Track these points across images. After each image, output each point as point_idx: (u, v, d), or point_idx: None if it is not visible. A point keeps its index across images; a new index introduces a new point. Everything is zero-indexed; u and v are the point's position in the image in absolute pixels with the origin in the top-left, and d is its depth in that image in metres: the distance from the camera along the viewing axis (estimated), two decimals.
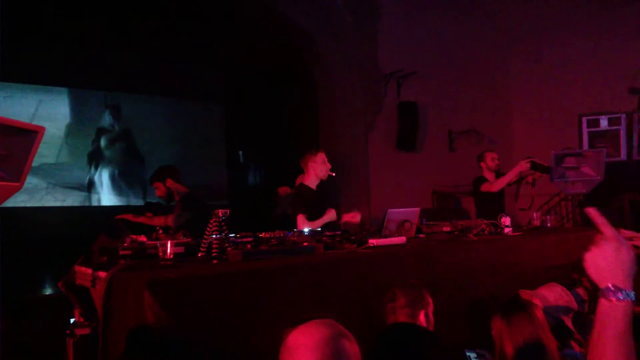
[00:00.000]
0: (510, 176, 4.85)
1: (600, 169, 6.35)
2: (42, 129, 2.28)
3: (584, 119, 7.60)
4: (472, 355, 2.39)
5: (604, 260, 1.08)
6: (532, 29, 8.22)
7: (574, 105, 7.89)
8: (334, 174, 4.02)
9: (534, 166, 4.70)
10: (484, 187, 4.98)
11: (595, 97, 7.81)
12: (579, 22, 8.01)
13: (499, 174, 5.05)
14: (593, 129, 7.53)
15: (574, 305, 2.67)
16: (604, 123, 7.47)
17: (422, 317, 2.25)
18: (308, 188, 3.99)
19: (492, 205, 4.86)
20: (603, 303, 1.06)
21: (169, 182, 4.36)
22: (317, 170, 3.93)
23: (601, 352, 1.03)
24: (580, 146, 7.54)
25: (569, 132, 7.86)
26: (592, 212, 1.12)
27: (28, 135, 2.26)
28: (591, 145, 7.52)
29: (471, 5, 8.13)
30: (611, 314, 1.04)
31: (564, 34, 8.09)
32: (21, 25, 6.29)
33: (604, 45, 7.87)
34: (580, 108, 7.82)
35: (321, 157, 3.94)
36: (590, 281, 1.14)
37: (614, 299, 1.04)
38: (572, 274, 3.26)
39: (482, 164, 5.16)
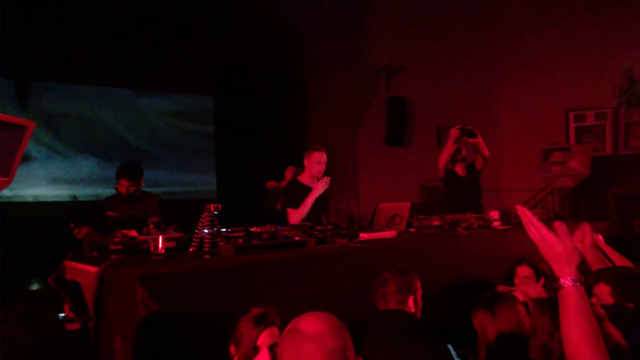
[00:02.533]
0: (448, 147, 4.97)
1: (586, 163, 6.46)
2: (32, 123, 2.26)
3: (571, 114, 7.68)
4: (454, 353, 2.42)
5: (548, 255, 1.24)
6: (520, 24, 8.27)
7: (561, 100, 7.96)
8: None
9: (463, 132, 4.84)
10: (439, 172, 5.08)
11: (581, 93, 7.88)
12: (566, 18, 8.07)
13: (469, 166, 5.08)
14: (580, 124, 7.61)
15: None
16: (590, 118, 7.56)
17: (410, 303, 2.30)
18: (301, 184, 4.02)
19: (459, 196, 4.93)
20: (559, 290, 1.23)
21: (142, 182, 4.06)
22: (310, 169, 3.99)
23: (565, 334, 1.18)
24: (568, 141, 7.62)
25: (556, 127, 7.93)
26: (520, 209, 1.24)
27: (17, 130, 2.22)
28: (578, 140, 7.61)
29: (459, 1, 8.16)
30: (563, 300, 1.20)
31: (552, 29, 8.15)
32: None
33: (591, 41, 7.95)
34: (567, 103, 7.90)
35: (316, 156, 3.96)
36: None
37: (564, 285, 1.20)
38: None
39: (471, 141, 5.21)
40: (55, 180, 7.80)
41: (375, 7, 7.94)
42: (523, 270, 3.17)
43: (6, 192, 7.26)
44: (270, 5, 7.48)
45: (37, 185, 7.63)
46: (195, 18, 7.41)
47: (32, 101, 7.75)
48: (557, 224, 1.26)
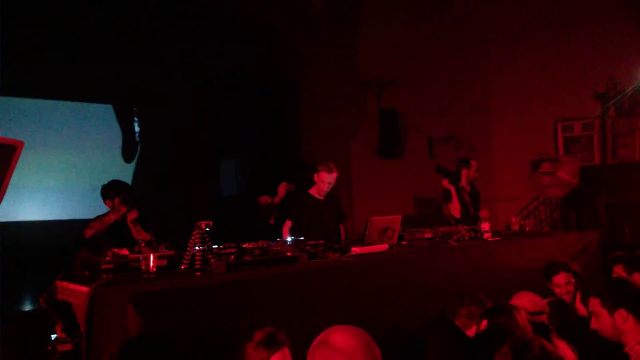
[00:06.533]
0: (455, 202, 4.85)
1: (575, 173, 6.53)
2: (21, 143, 2.26)
3: (559, 125, 7.76)
4: None
5: None
6: (509, 36, 8.39)
7: (550, 111, 8.06)
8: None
9: (438, 169, 4.93)
10: (449, 207, 4.99)
11: (569, 103, 7.99)
12: (555, 29, 8.20)
13: (473, 186, 5.03)
14: (568, 134, 7.69)
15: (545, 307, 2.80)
16: (578, 128, 7.65)
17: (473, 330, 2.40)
18: (311, 197, 4.15)
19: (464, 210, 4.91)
20: None
21: None
22: (317, 185, 4.13)
23: None
24: (557, 151, 7.70)
25: (545, 138, 8.02)
26: None
27: (6, 150, 2.23)
28: (566, 150, 7.69)
29: (449, 14, 8.27)
30: None
31: (540, 41, 8.27)
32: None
33: (578, 52, 8.07)
34: (555, 114, 7.98)
35: (322, 175, 4.09)
36: None
37: None
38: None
39: (464, 171, 4.92)
40: None
41: (367, 20, 8.02)
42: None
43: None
44: (263, 18, 7.55)
45: None
46: (188, 33, 7.49)
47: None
48: None
